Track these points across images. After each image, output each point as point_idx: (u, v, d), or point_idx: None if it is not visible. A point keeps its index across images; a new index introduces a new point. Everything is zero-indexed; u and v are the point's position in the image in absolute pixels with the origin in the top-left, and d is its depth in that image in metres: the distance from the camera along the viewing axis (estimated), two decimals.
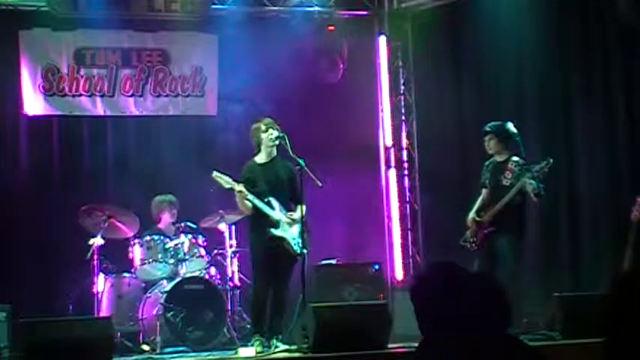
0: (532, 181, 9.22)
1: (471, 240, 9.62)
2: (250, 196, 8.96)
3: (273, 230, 9.04)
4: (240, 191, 8.92)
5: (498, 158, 9.65)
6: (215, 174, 9.04)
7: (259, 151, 9.25)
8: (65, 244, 10.72)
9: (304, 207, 9.13)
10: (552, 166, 9.35)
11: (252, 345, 8.87)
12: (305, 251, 9.05)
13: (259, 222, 9.08)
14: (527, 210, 9.63)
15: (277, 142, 9.14)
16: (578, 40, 11.10)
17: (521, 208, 9.53)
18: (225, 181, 9.00)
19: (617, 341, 3.11)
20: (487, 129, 9.63)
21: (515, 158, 9.47)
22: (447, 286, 3.69)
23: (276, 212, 9.07)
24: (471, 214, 9.70)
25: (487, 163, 9.74)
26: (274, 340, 8.94)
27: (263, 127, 9.19)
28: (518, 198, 9.44)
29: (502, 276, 9.33)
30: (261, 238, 9.05)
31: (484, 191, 9.73)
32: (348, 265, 11.33)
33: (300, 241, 9.07)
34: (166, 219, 10.63)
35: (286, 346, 8.88)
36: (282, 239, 9.05)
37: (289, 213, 9.13)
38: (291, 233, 9.10)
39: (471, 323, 3.57)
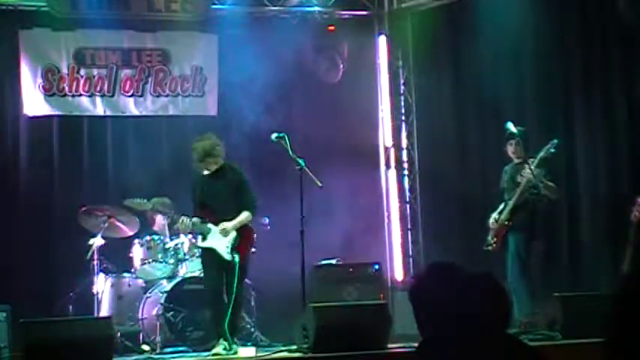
0: (528, 174, 9.35)
1: (493, 242, 9.66)
2: (187, 220, 9.15)
3: (200, 242, 9.23)
4: (182, 222, 9.18)
5: (517, 160, 9.72)
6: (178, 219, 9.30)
7: None
8: (65, 244, 10.73)
9: (246, 213, 9.17)
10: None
11: (215, 347, 8.94)
12: (235, 258, 9.05)
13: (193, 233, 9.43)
14: (542, 207, 9.65)
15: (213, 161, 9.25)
16: (578, 39, 11.09)
17: (535, 205, 9.57)
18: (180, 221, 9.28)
19: (620, 341, 3.11)
20: (514, 132, 9.63)
21: (531, 159, 9.52)
22: (446, 287, 3.69)
23: (207, 225, 9.14)
24: (492, 216, 9.74)
25: (506, 167, 9.82)
26: (235, 345, 9.00)
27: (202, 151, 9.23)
28: (531, 195, 9.50)
29: (512, 273, 9.40)
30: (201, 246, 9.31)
31: (505, 195, 9.78)
32: (348, 265, 11.31)
33: (231, 247, 9.10)
34: (159, 221, 10.63)
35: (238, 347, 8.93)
36: (211, 250, 9.12)
37: (223, 223, 9.15)
38: (220, 242, 9.10)
39: (470, 323, 3.57)
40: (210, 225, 9.13)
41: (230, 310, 8.92)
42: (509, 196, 9.69)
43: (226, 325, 8.90)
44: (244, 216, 9.18)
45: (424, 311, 3.74)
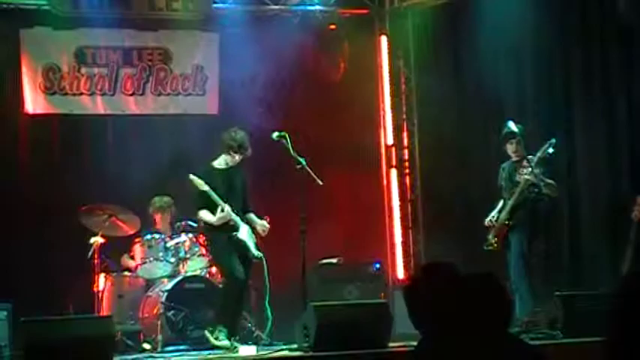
0: (528, 173, 9.36)
1: (494, 242, 9.65)
2: (227, 207, 9.15)
3: (237, 233, 9.24)
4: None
5: (515, 158, 9.72)
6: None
7: (219, 155, 9.39)
8: (66, 243, 10.72)
9: (252, 214, 9.44)
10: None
11: (218, 338, 9.05)
12: (261, 255, 9.34)
13: (224, 225, 9.25)
14: (543, 205, 9.65)
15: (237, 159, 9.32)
16: (578, 39, 11.09)
17: (535, 204, 9.57)
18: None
19: (621, 340, 3.12)
20: (515, 131, 9.64)
21: (530, 156, 9.52)
22: (443, 286, 3.70)
23: (237, 217, 9.25)
24: (490, 215, 9.74)
25: (503, 165, 9.82)
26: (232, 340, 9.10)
27: (235, 143, 9.28)
28: (531, 194, 9.51)
29: (514, 273, 9.41)
30: (223, 237, 9.26)
31: (503, 193, 9.79)
32: (349, 264, 11.33)
33: (255, 244, 9.35)
34: (160, 221, 10.62)
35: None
36: (243, 242, 9.22)
37: (264, 223, 9.44)
38: (249, 238, 9.33)
39: (471, 322, 3.58)
40: (238, 218, 9.21)
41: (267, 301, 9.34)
42: (507, 194, 9.68)
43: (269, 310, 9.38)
44: (254, 216, 9.45)
45: (420, 311, 3.75)
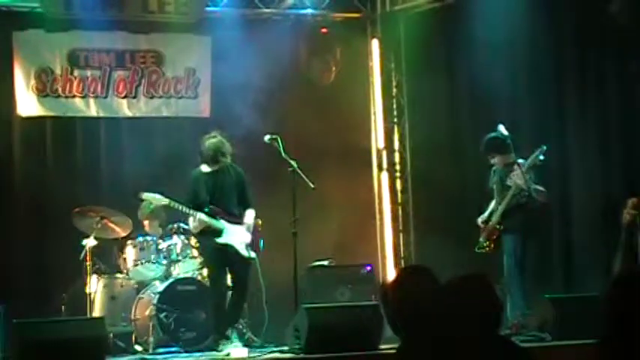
0: (519, 178, 9.39)
1: (485, 245, 9.69)
2: (198, 215, 9.21)
3: (217, 239, 9.23)
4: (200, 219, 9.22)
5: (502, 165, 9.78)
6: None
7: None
8: (58, 245, 10.72)
9: (253, 211, 9.45)
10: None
11: (222, 350, 9.02)
12: (254, 255, 9.34)
13: (205, 230, 9.30)
14: (535, 208, 9.69)
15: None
16: (573, 40, 11.11)
17: (526, 206, 9.61)
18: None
19: (611, 342, 3.15)
20: (487, 148, 9.71)
21: (521, 160, 9.56)
22: (426, 289, 3.73)
23: (220, 222, 9.20)
24: (480, 218, 9.79)
25: (494, 168, 9.85)
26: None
27: (206, 154, 9.34)
28: (522, 198, 9.55)
29: (507, 274, 9.45)
30: (210, 244, 9.29)
31: (495, 195, 9.83)
32: (341, 266, 11.35)
33: (248, 245, 9.30)
34: (148, 225, 10.60)
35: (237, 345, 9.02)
36: (227, 246, 9.20)
37: (234, 219, 9.38)
38: (237, 239, 9.28)
39: (459, 324, 3.60)
40: (222, 221, 9.22)
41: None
42: (498, 198, 9.72)
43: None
44: (253, 213, 9.42)
45: (400, 315, 3.77)
